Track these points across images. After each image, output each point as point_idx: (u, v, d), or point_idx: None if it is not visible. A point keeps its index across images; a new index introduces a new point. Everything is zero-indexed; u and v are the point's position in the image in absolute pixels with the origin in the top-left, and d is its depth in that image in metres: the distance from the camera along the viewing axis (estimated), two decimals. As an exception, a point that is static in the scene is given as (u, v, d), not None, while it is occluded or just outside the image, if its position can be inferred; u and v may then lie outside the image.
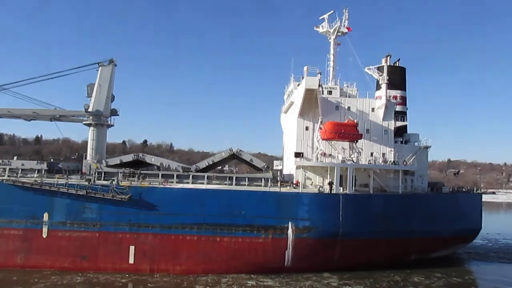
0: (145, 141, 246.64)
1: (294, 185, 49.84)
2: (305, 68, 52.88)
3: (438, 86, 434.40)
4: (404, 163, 51.70)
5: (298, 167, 51.09)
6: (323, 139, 48.92)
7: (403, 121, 59.82)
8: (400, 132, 58.45)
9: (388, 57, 61.86)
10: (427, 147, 55.35)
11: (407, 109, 62.28)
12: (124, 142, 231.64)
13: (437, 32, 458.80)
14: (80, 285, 40.40)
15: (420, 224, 49.61)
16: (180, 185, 47.50)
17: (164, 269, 44.62)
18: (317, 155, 49.41)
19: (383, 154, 53.08)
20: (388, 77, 54.47)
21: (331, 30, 59.48)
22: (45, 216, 45.23)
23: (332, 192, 47.15)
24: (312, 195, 46.75)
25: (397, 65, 61.96)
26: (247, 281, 42.27)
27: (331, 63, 59.93)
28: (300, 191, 46.95)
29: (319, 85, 50.18)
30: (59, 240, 44.91)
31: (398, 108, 60.09)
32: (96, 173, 49.93)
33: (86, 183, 45.95)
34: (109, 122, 62.53)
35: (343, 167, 48.29)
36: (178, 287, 40.79)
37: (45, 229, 45.15)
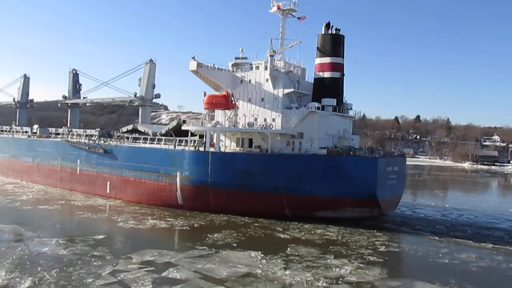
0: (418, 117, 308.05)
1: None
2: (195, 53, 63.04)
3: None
4: (271, 126, 56.66)
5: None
6: (204, 109, 60.91)
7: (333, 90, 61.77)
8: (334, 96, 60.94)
9: (325, 25, 63.29)
10: (313, 112, 56.38)
11: (343, 75, 62.28)
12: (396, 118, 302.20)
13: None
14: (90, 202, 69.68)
15: (286, 183, 54.47)
16: (129, 144, 70.34)
17: (120, 198, 68.91)
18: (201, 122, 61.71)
19: (273, 119, 59.08)
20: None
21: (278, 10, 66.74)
22: (78, 162, 77.36)
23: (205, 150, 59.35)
24: (191, 152, 60.39)
25: (332, 32, 62.66)
26: (318, 230, 48.57)
27: (280, 40, 67.18)
28: (187, 149, 61.42)
29: (200, 66, 61.30)
30: (83, 176, 76.21)
31: (327, 74, 61.94)
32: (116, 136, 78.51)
33: (91, 142, 75.23)
34: (154, 103, 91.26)
35: (213, 131, 59.33)
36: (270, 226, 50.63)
37: (78, 169, 77.35)
